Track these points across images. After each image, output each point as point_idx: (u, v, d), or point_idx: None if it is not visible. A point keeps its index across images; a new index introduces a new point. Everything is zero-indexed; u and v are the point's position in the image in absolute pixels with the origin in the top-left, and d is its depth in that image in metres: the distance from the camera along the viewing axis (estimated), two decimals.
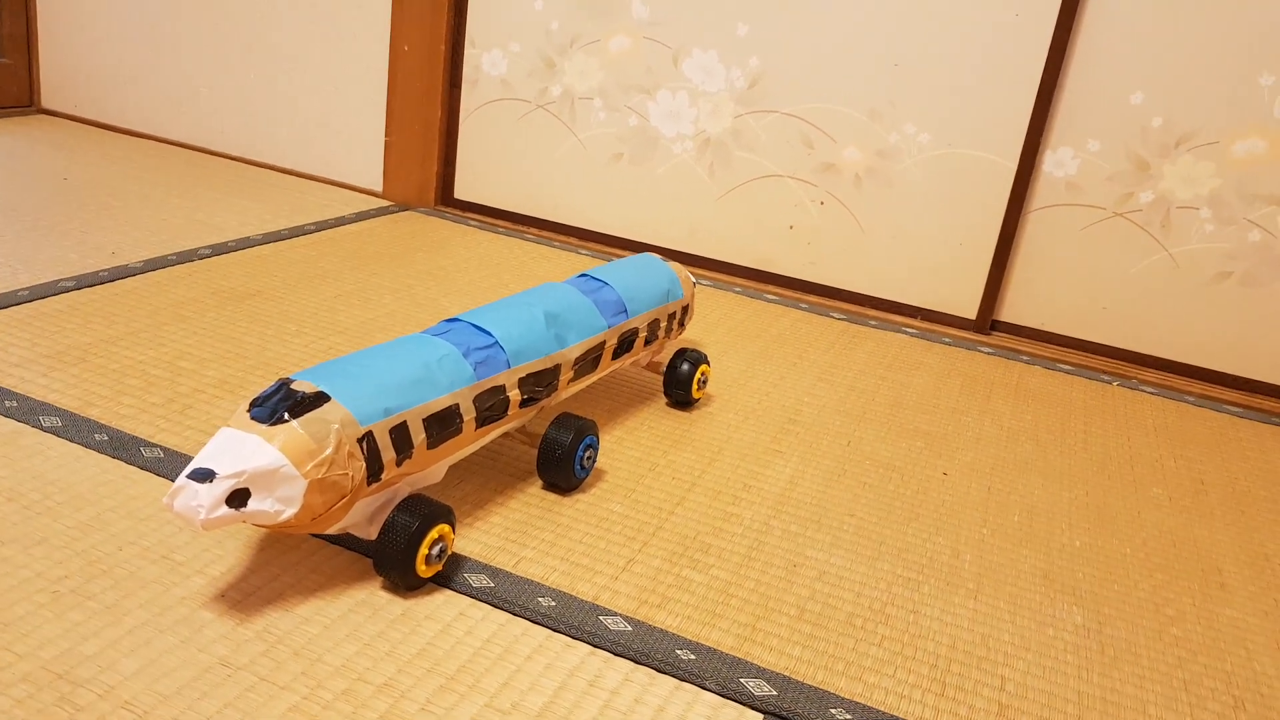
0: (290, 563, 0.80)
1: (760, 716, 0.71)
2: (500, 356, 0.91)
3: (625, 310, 1.10)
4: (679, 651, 0.76)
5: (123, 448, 0.94)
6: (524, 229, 1.89)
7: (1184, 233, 1.52)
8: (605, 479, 1.00)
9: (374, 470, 0.76)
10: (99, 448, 0.93)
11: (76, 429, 0.96)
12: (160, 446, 0.95)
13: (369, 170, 1.99)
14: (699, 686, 0.73)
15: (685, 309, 1.22)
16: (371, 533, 0.79)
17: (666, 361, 1.21)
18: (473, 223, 1.89)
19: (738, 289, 1.72)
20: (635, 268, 1.17)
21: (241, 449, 0.70)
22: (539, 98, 1.84)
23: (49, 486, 0.86)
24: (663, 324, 1.18)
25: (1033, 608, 0.88)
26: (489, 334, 0.91)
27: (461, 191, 1.96)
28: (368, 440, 0.76)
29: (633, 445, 1.09)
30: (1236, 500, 1.15)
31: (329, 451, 0.73)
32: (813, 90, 1.65)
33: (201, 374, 1.11)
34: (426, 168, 1.94)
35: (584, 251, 1.80)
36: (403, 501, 0.78)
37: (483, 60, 1.87)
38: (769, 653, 0.77)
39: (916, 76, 1.59)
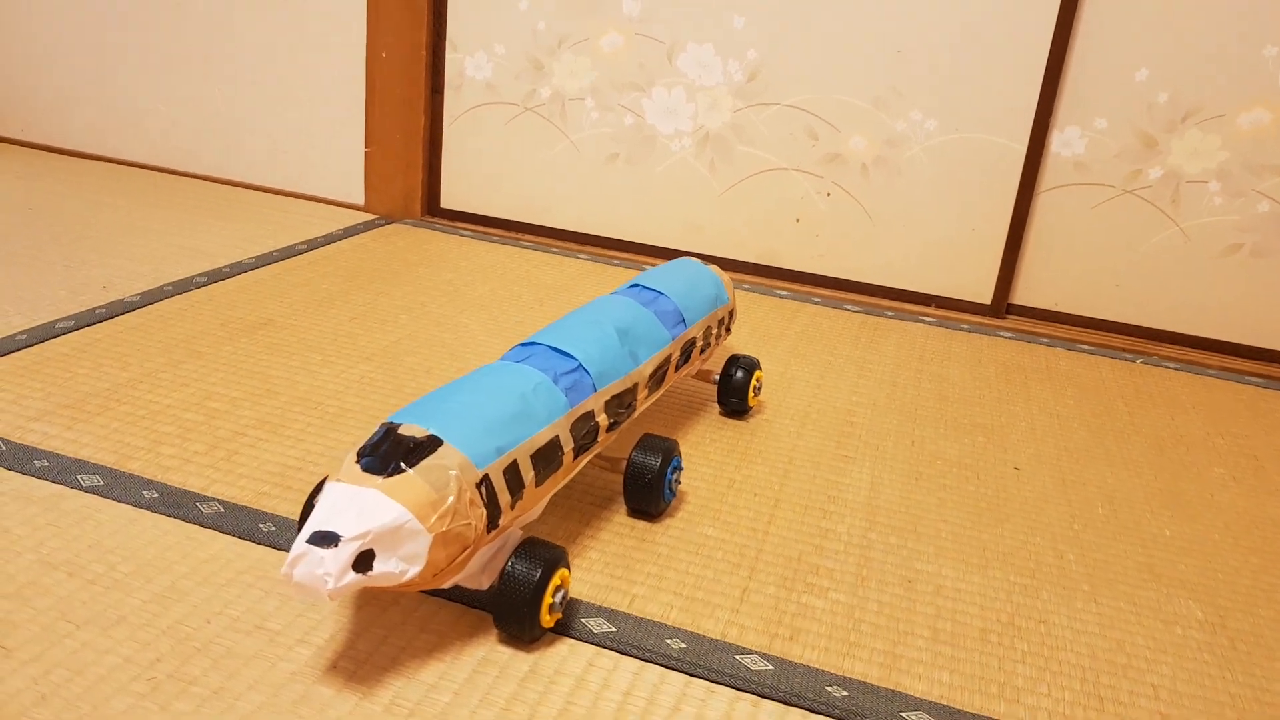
0: (394, 622, 0.74)
1: None
2: (586, 380, 0.86)
3: (684, 320, 1.06)
4: (829, 689, 0.72)
5: (177, 504, 0.86)
6: (519, 236, 1.83)
7: (1194, 207, 1.53)
8: (687, 500, 0.96)
9: (493, 516, 0.71)
10: (151, 506, 0.85)
11: (121, 487, 0.88)
12: (218, 500, 0.87)
13: (348, 183, 1.90)
14: None
15: (730, 313, 1.18)
16: (484, 583, 0.73)
17: (718, 370, 1.17)
18: (465, 233, 1.82)
19: (747, 286, 1.69)
20: (682, 274, 1.13)
21: (360, 506, 0.64)
22: (527, 100, 1.78)
23: (110, 556, 0.78)
24: (714, 331, 1.13)
25: (1152, 606, 0.86)
26: (572, 357, 0.86)
27: (449, 201, 1.88)
28: (485, 484, 0.70)
29: (702, 461, 1.04)
30: None
31: (451, 500, 0.67)
32: (814, 80, 1.62)
33: (237, 415, 1.03)
34: (410, 178, 1.86)
35: (583, 256, 1.75)
36: (519, 547, 0.73)
37: (466, 64, 1.80)
38: (918, 681, 0.74)
39: (920, 62, 1.57)
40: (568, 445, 0.80)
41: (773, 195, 1.69)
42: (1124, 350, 1.56)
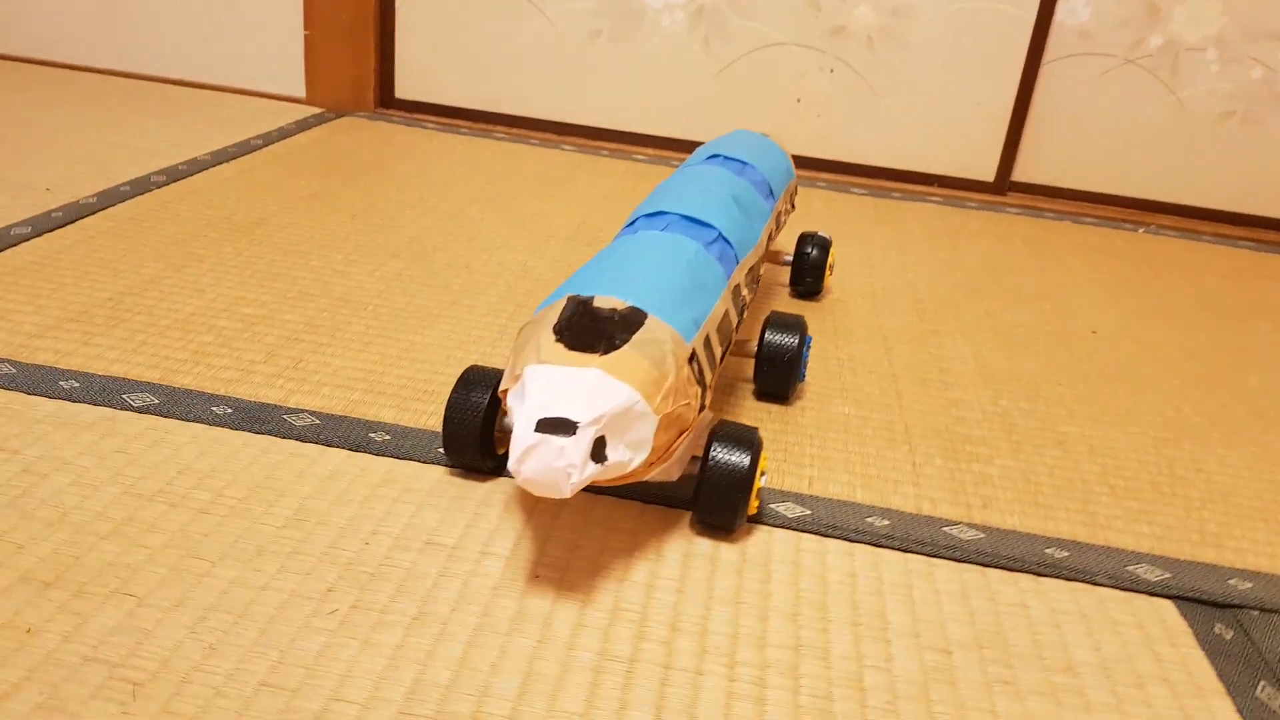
0: (577, 525, 0.65)
1: (1166, 602, 0.65)
2: (730, 252, 0.77)
3: (772, 193, 0.97)
4: (1047, 551, 0.68)
5: (259, 419, 0.73)
6: (491, 128, 1.68)
7: (1191, 75, 1.54)
8: (804, 381, 0.89)
9: (702, 396, 0.62)
10: (229, 422, 0.72)
11: (183, 404, 0.74)
12: (308, 411, 0.75)
13: (287, 73, 1.69)
14: (1090, 583, 0.65)
15: (796, 189, 1.11)
16: (674, 473, 0.64)
17: (786, 250, 1.10)
18: (430, 125, 1.65)
19: None
20: (753, 144, 1.04)
21: (586, 388, 0.54)
22: None
23: (210, 481, 0.65)
24: (787, 207, 1.06)
25: None
26: (711, 226, 0.77)
27: (406, 90, 1.70)
28: (694, 360, 0.61)
29: None
30: None
31: (671, 378, 0.58)
32: None
33: (279, 320, 0.89)
34: (360, 64, 1.67)
35: (568, 147, 1.62)
36: (716, 432, 0.64)
37: None
38: (1124, 535, 0.71)
39: None
40: (734, 320, 0.72)
41: (772, 73, 1.60)
42: (1125, 221, 1.57)
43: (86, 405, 0.73)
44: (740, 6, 1.57)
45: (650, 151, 1.65)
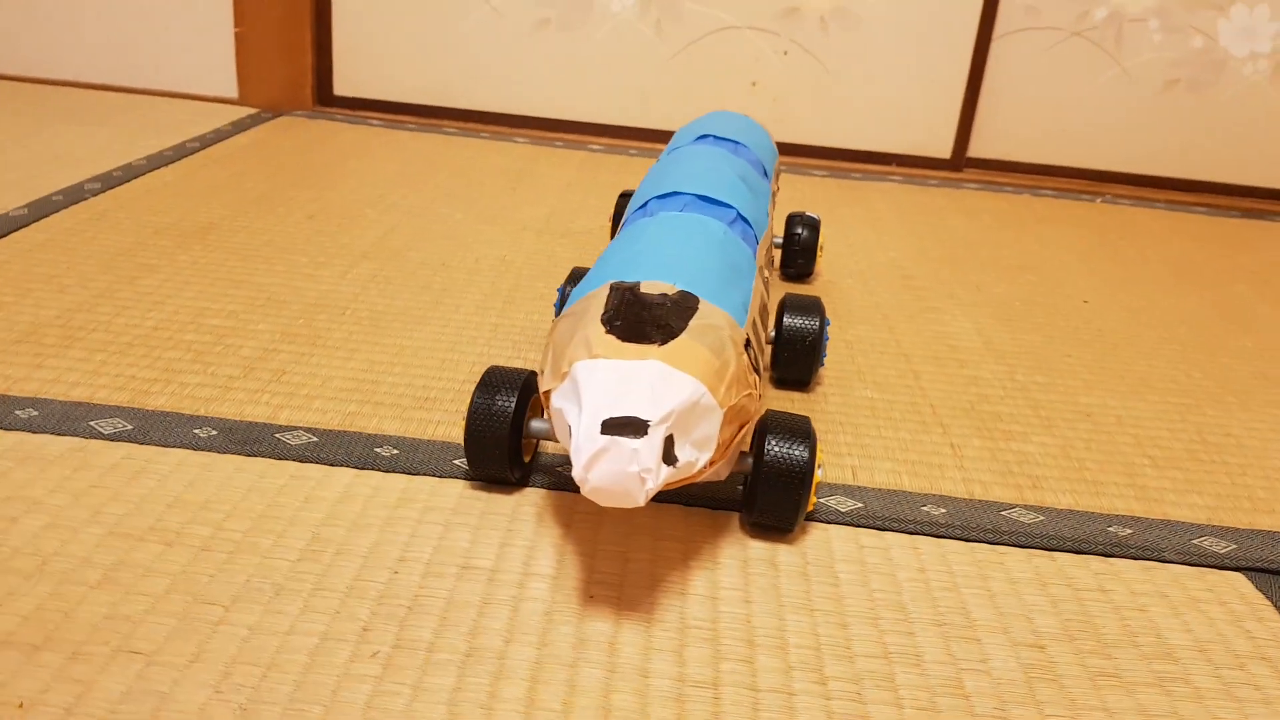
0: (619, 536, 0.59)
1: (1237, 575, 0.62)
2: (750, 232, 0.72)
3: (766, 173, 0.93)
4: (1111, 529, 0.65)
5: (249, 439, 0.65)
6: (439, 123, 1.60)
7: (1135, 45, 1.55)
8: None
9: (758, 385, 0.57)
10: (215, 446, 0.64)
11: (160, 428, 0.66)
12: (304, 429, 0.67)
13: (217, 73, 1.58)
14: (1159, 560, 0.63)
15: (779, 170, 1.07)
16: (724, 473, 0.59)
17: (775, 232, 1.06)
18: (375, 122, 1.57)
19: None
20: (736, 124, 0.99)
21: (648, 382, 0.49)
22: None
23: (206, 514, 0.58)
24: (777, 186, 1.02)
25: None
26: (730, 206, 0.72)
27: (345, 86, 1.61)
28: (749, 346, 0.56)
29: None
30: None
31: (732, 367, 0.53)
32: None
33: (252, 330, 0.81)
34: (296, 61, 1.57)
35: (521, 140, 1.56)
36: (767, 425, 0.59)
37: None
38: (1179, 508, 0.68)
39: None
40: (765, 303, 0.67)
41: (726, 57, 1.56)
42: (1081, 192, 1.58)
43: (50, 436, 0.64)
44: None
45: (606, 141, 1.60)
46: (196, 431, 0.66)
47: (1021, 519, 0.65)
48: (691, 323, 0.52)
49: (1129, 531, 0.65)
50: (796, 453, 0.58)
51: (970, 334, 0.96)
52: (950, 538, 0.63)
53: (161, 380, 0.72)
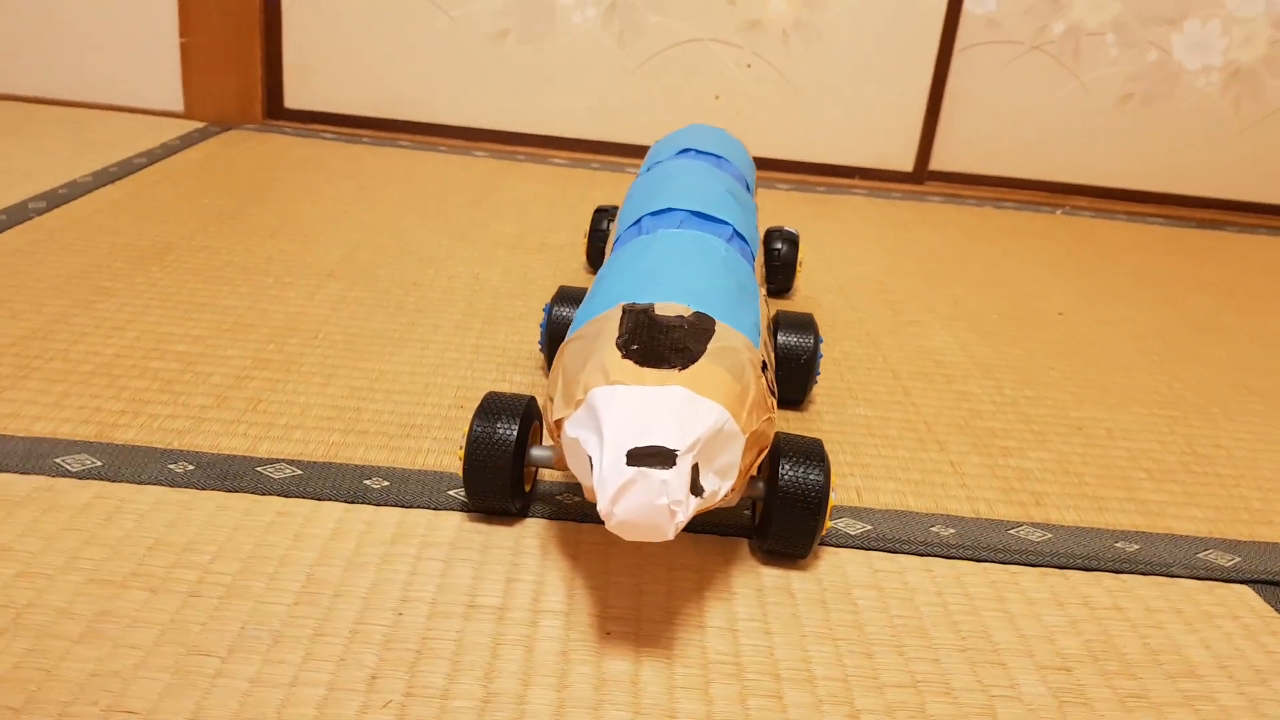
0: (628, 567, 0.57)
1: (1244, 588, 0.62)
2: (747, 249, 0.71)
3: (749, 187, 0.92)
4: (1117, 545, 0.65)
5: (229, 474, 0.62)
6: (395, 136, 1.56)
7: (1092, 59, 1.58)
8: None
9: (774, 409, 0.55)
10: (192, 482, 0.61)
11: (132, 464, 0.62)
12: (286, 461, 0.64)
13: (161, 85, 1.52)
14: (1168, 575, 0.62)
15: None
16: (734, 499, 0.58)
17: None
18: (328, 136, 1.52)
19: None
20: (717, 138, 0.98)
21: (673, 409, 0.46)
22: None
23: (192, 555, 0.54)
24: (756, 202, 1.00)
25: (1277, 416, 0.87)
26: (725, 222, 0.70)
27: (295, 99, 1.56)
28: (765, 369, 0.54)
29: None
30: (1259, 293, 1.23)
31: (752, 391, 0.51)
32: None
33: (221, 356, 0.77)
34: (244, 73, 1.52)
35: (480, 154, 1.53)
36: (780, 449, 0.58)
37: None
38: (1181, 521, 0.68)
39: None
40: (768, 319, 0.66)
41: (690, 69, 1.55)
42: (1042, 204, 1.60)
43: (13, 475, 0.60)
44: (654, 2, 1.51)
45: (568, 155, 1.58)
46: (172, 466, 0.62)
47: (1030, 537, 0.65)
48: (710, 345, 0.50)
49: (1136, 547, 0.65)
50: (812, 477, 0.56)
51: (953, 348, 0.96)
52: (962, 558, 0.62)
53: (129, 412, 0.68)
